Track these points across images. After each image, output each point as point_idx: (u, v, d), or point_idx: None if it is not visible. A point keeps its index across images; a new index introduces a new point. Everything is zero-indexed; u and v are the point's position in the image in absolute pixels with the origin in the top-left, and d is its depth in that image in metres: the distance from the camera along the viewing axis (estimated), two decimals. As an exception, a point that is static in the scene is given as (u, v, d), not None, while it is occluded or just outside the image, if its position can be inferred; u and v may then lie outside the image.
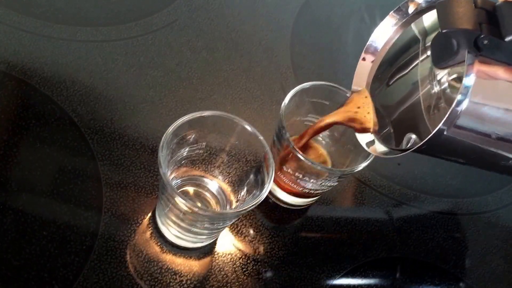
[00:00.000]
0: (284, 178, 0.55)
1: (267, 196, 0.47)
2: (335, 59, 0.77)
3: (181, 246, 0.53)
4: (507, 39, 0.39)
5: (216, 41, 0.70)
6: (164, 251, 0.53)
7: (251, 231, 0.57)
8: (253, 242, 0.57)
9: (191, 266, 0.53)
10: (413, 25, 0.49)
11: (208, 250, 0.55)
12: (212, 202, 0.55)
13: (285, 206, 0.60)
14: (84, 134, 0.57)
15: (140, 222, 0.54)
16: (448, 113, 0.41)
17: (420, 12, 0.49)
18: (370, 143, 0.50)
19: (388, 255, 0.61)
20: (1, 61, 0.59)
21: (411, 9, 0.49)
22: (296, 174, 0.53)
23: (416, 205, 0.66)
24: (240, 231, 0.57)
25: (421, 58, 0.48)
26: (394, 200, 0.65)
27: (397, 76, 0.50)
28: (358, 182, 0.65)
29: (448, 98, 0.44)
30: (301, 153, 0.50)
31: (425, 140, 0.43)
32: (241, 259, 0.55)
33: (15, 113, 0.56)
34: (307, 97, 0.55)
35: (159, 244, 0.53)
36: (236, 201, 0.54)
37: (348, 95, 0.54)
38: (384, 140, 0.50)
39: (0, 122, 0.55)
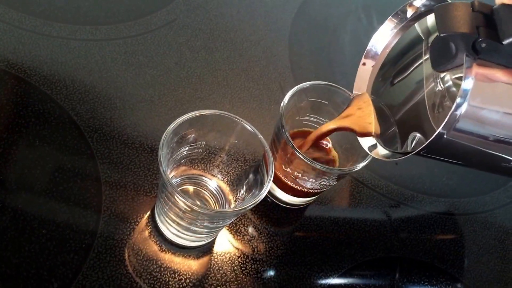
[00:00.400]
0: (283, 177, 0.55)
1: (265, 196, 0.48)
2: (332, 59, 0.77)
3: (180, 245, 0.53)
4: (505, 42, 0.39)
5: (215, 41, 0.70)
6: (163, 249, 0.53)
7: (250, 230, 0.57)
8: (252, 241, 0.57)
9: (190, 264, 0.53)
10: (416, 25, 0.49)
11: (207, 249, 0.55)
12: (211, 201, 0.55)
13: (283, 205, 0.60)
14: (84, 132, 0.57)
15: (139, 220, 0.54)
16: (447, 116, 0.41)
17: (418, 16, 0.49)
18: (372, 147, 0.51)
19: (386, 255, 0.61)
20: (0, 59, 0.59)
21: (410, 13, 0.49)
22: (296, 173, 0.53)
23: (413, 205, 0.66)
24: (238, 230, 0.57)
25: (424, 57, 0.48)
26: (392, 200, 0.65)
27: (402, 75, 0.51)
28: (356, 182, 0.65)
29: (452, 96, 0.44)
30: (300, 152, 0.50)
31: (425, 144, 0.43)
32: (239, 258, 0.55)
33: (15, 111, 0.56)
34: (306, 97, 0.56)
35: (158, 242, 0.53)
36: (235, 201, 0.54)
37: (346, 94, 0.54)
38: (388, 140, 0.50)
39: (0, 120, 0.55)
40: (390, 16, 0.50)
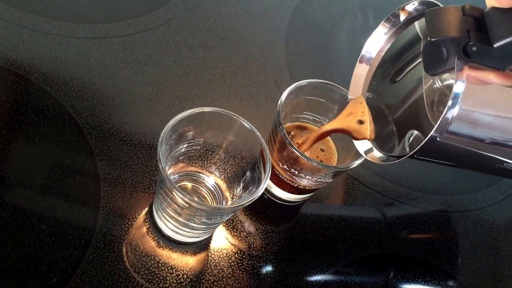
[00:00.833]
0: (280, 174, 0.56)
1: (262, 192, 0.48)
2: (329, 57, 0.78)
3: (177, 241, 0.54)
4: (496, 45, 0.39)
5: (212, 39, 0.70)
6: (161, 245, 0.53)
7: (246, 227, 0.58)
8: (248, 238, 0.57)
9: (187, 260, 0.54)
10: (416, 23, 0.49)
11: (204, 245, 0.55)
12: (209, 197, 0.55)
13: (280, 202, 0.60)
14: (83, 129, 0.57)
15: (137, 217, 0.54)
16: (439, 120, 0.41)
17: (411, 20, 0.49)
18: (368, 151, 0.51)
19: (380, 251, 0.61)
20: (0, 57, 0.59)
21: (403, 17, 0.50)
22: (292, 170, 0.54)
23: (408, 202, 0.67)
24: (235, 227, 0.57)
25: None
26: (387, 197, 0.66)
27: (401, 74, 0.51)
28: (351, 179, 0.65)
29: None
30: (297, 149, 0.51)
31: (418, 147, 0.43)
32: (236, 254, 0.56)
33: (14, 108, 0.56)
34: (302, 95, 0.56)
35: (155, 238, 0.53)
36: (232, 198, 0.54)
37: (343, 92, 0.55)
38: (386, 139, 0.50)
39: (0, 117, 0.56)
40: (383, 21, 0.51)
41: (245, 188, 0.52)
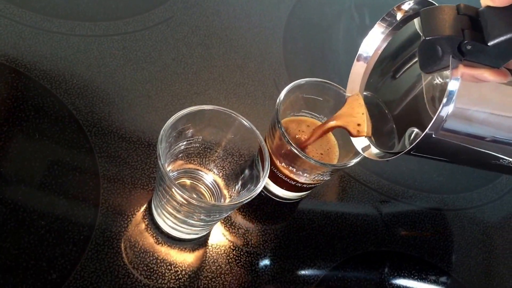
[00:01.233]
0: (277, 172, 0.56)
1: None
2: (326, 56, 0.78)
3: (176, 237, 0.54)
4: (490, 43, 0.39)
5: (211, 38, 0.71)
6: (159, 242, 0.54)
7: (244, 224, 0.58)
8: (246, 235, 0.58)
9: (185, 257, 0.54)
10: (415, 21, 0.49)
11: (203, 242, 0.55)
12: (207, 195, 0.55)
13: (277, 199, 0.60)
14: (82, 126, 0.57)
15: (136, 213, 0.54)
16: (434, 117, 0.41)
17: (407, 18, 0.49)
18: (366, 148, 0.51)
19: (377, 249, 0.62)
20: (1, 54, 0.59)
21: (399, 16, 0.50)
22: (290, 168, 0.54)
23: (404, 200, 0.67)
24: (233, 224, 0.58)
25: None
26: (383, 195, 0.66)
27: (401, 71, 0.51)
28: (348, 177, 0.66)
29: None
30: (295, 147, 0.51)
31: (413, 144, 0.43)
32: (234, 251, 0.56)
33: (15, 105, 0.56)
34: (300, 93, 0.56)
35: (154, 235, 0.54)
36: (230, 195, 0.54)
37: (341, 91, 0.55)
38: (385, 137, 0.50)
39: (0, 113, 0.56)
40: (379, 21, 0.51)
41: (243, 186, 0.52)
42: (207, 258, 0.55)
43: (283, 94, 0.53)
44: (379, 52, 0.52)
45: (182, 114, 0.48)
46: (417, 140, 0.43)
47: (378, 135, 0.51)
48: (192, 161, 0.55)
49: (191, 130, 0.51)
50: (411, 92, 0.49)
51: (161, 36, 0.68)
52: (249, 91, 0.68)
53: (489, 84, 0.42)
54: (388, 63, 0.52)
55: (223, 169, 0.55)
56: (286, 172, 0.55)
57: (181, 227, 0.52)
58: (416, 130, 0.46)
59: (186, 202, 0.46)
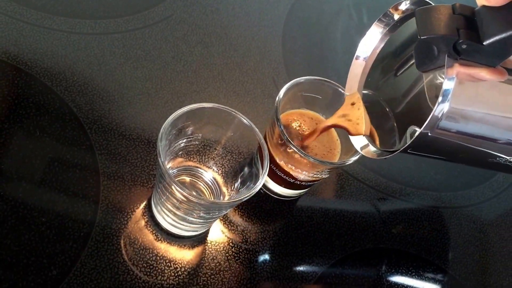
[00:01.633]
0: (276, 169, 0.56)
1: (259, 188, 0.48)
2: (324, 54, 0.78)
3: (175, 234, 0.54)
4: (485, 42, 0.39)
5: (210, 36, 0.71)
6: (159, 239, 0.54)
7: (243, 221, 0.58)
8: (245, 232, 0.58)
9: (185, 254, 0.54)
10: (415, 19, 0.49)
11: (202, 239, 0.56)
12: (206, 192, 0.55)
13: (276, 197, 0.61)
14: (83, 124, 0.57)
15: (136, 210, 0.55)
16: (429, 116, 0.41)
17: (404, 18, 0.49)
18: (364, 147, 0.51)
19: (375, 246, 0.62)
20: (2, 51, 0.59)
21: (396, 16, 0.50)
22: (289, 166, 0.54)
23: (401, 198, 0.67)
24: (232, 221, 0.58)
25: None
26: (381, 193, 0.66)
27: (400, 69, 0.51)
28: (347, 175, 0.66)
29: None
30: (294, 145, 0.51)
31: (409, 143, 0.43)
32: (233, 248, 0.56)
33: (15, 102, 0.57)
34: (299, 91, 0.56)
35: (154, 232, 0.54)
36: (229, 193, 0.55)
37: (339, 89, 0.55)
38: (386, 135, 0.50)
39: (1, 110, 0.56)
40: (376, 21, 0.51)
41: (242, 183, 0.52)
42: (206, 255, 0.55)
43: (282, 92, 0.53)
44: (377, 51, 0.52)
45: (182, 112, 0.48)
46: (413, 139, 0.43)
47: (379, 133, 0.51)
48: (192, 159, 0.55)
49: (190, 128, 0.51)
50: (412, 90, 0.49)
51: (161, 34, 0.68)
52: (248, 89, 0.68)
53: (486, 83, 0.42)
54: (390, 61, 0.52)
55: (223, 167, 0.55)
56: (285, 169, 0.55)
57: (181, 224, 0.52)
58: (417, 128, 0.46)
59: (185, 200, 0.46)
